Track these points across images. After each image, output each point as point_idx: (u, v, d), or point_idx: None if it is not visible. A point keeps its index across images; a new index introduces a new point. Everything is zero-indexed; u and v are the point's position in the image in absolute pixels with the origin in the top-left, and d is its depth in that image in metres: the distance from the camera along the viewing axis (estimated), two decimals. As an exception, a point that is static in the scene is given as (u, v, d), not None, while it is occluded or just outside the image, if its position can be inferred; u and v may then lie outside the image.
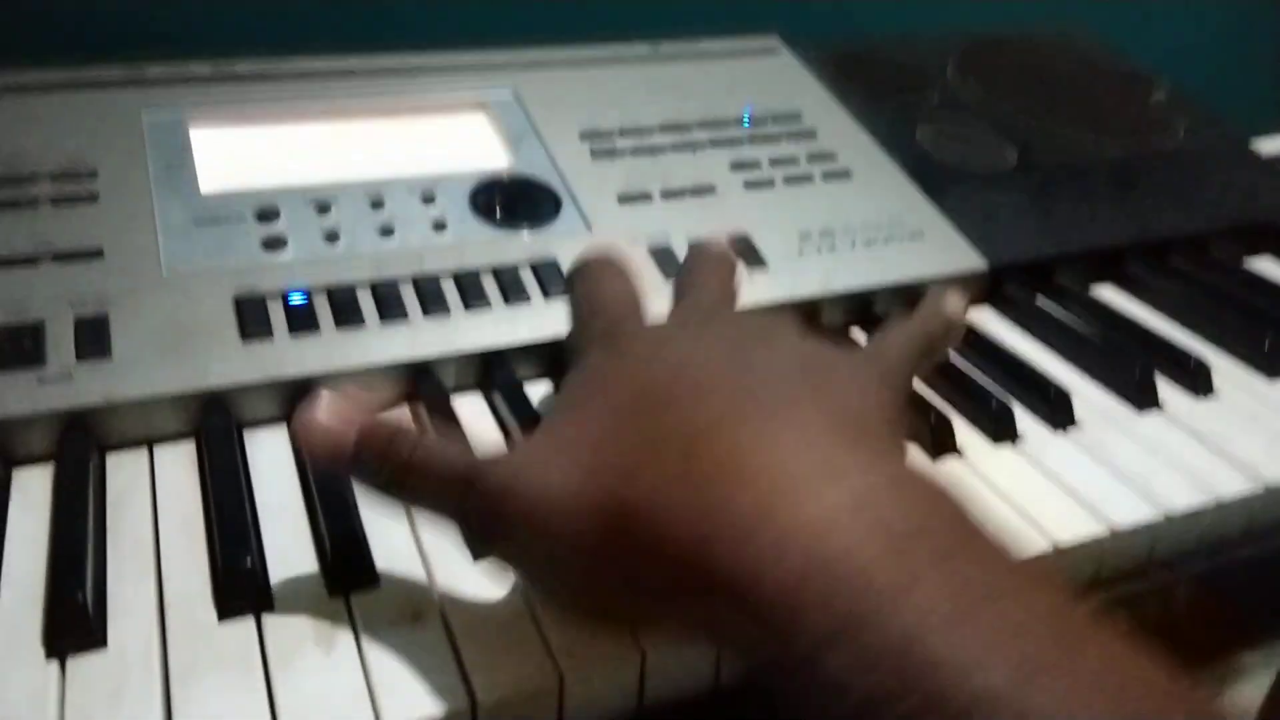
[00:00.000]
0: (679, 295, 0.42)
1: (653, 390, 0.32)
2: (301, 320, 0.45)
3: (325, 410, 0.32)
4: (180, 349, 0.43)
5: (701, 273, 0.42)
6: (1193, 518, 0.43)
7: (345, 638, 0.34)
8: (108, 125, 0.54)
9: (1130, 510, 0.42)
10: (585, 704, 0.34)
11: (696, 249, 0.44)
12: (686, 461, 0.29)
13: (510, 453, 0.33)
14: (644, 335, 0.37)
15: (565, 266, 0.51)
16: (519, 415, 0.44)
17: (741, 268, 0.46)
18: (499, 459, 0.32)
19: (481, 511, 0.31)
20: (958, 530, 0.27)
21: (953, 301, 0.40)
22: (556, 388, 0.47)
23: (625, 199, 0.56)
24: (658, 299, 0.46)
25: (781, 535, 0.26)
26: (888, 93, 0.69)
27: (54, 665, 0.32)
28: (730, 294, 0.42)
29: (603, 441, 0.31)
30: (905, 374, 0.37)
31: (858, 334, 0.54)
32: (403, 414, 0.36)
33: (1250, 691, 0.45)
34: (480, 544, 0.36)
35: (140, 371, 0.42)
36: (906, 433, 0.36)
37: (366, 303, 0.47)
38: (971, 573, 0.25)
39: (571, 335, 0.41)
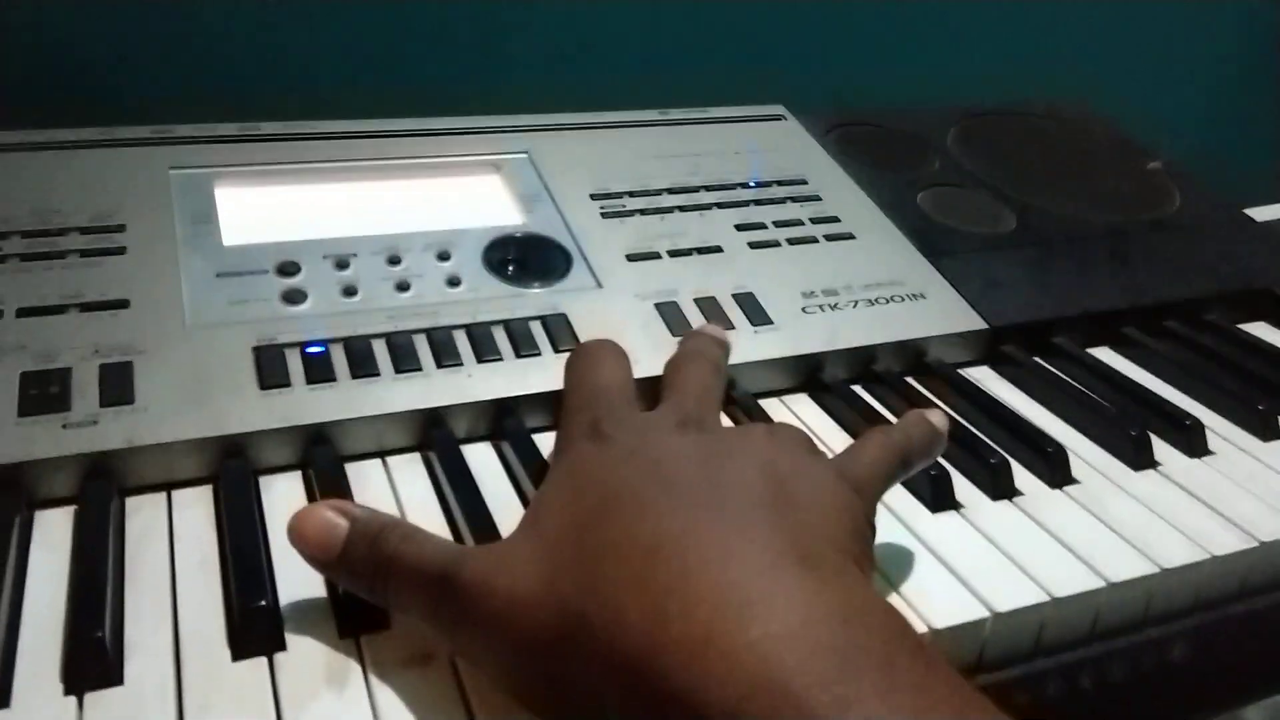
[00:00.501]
0: (667, 391, 0.43)
1: (621, 496, 0.33)
2: (319, 370, 0.47)
3: (320, 506, 0.36)
4: (201, 396, 0.45)
5: (687, 372, 0.44)
6: (1188, 573, 0.43)
7: (356, 679, 0.35)
8: (136, 181, 0.56)
9: (1126, 565, 0.43)
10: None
11: (687, 341, 0.47)
12: (645, 574, 0.30)
13: (488, 550, 0.35)
14: (624, 433, 0.38)
15: (575, 321, 0.52)
16: (527, 464, 0.45)
17: (729, 342, 0.48)
18: (476, 554, 0.33)
19: (453, 608, 0.33)
20: (901, 657, 0.28)
21: (937, 416, 0.42)
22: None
23: (634, 257, 0.57)
24: (663, 357, 0.47)
25: (728, 655, 0.27)
26: (890, 160, 0.71)
27: (72, 701, 0.33)
28: (713, 396, 0.44)
29: (570, 547, 0.32)
30: (879, 486, 0.38)
31: (861, 391, 0.55)
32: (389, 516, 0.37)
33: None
34: (450, 639, 0.35)
35: (162, 418, 0.44)
36: (872, 541, 0.37)
37: (382, 354, 0.48)
38: (910, 700, 0.26)
39: (562, 420, 0.42)
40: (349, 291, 0.51)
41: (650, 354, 0.51)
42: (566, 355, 0.50)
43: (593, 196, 0.61)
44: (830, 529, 0.33)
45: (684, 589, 0.29)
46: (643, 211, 0.61)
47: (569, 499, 0.35)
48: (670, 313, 0.54)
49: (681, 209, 0.62)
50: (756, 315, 0.55)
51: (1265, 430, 0.53)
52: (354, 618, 0.37)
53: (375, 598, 0.35)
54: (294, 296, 0.50)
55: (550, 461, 0.38)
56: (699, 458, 0.35)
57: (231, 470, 0.43)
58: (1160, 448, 0.51)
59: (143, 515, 0.42)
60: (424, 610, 0.34)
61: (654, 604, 0.29)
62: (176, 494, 0.43)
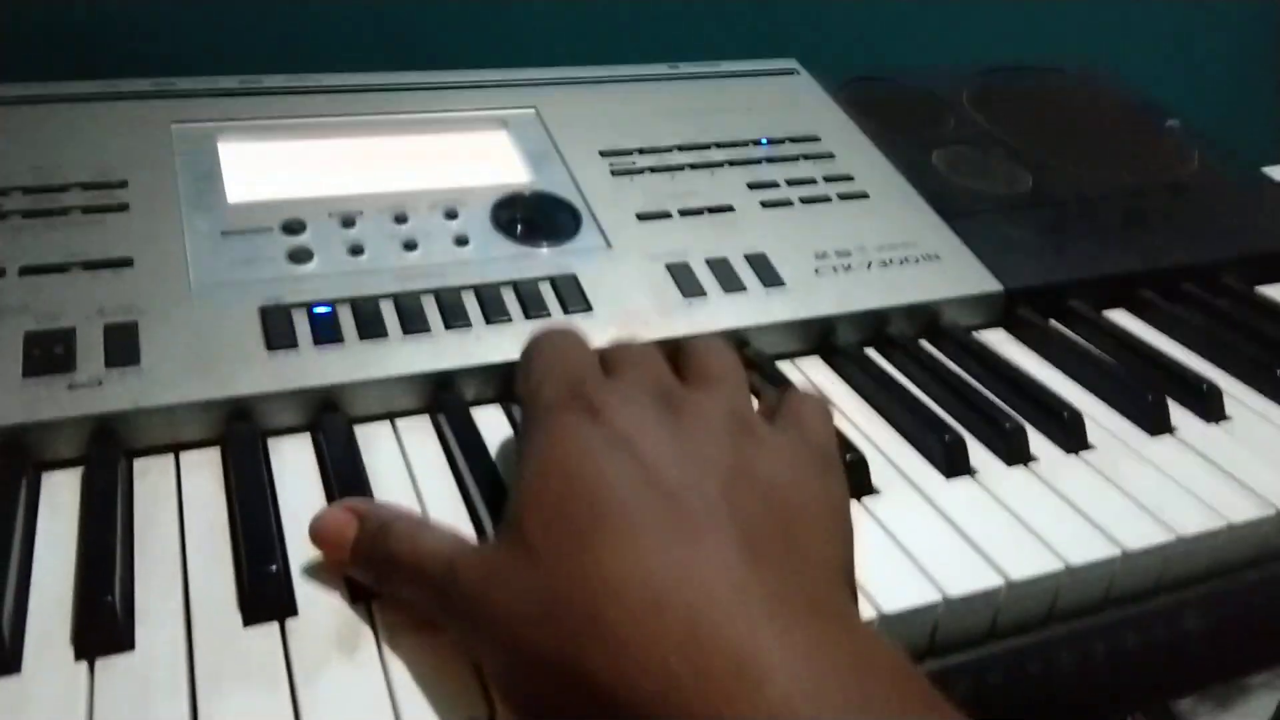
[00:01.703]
0: (689, 361, 0.40)
1: (617, 507, 0.31)
2: (326, 331, 0.46)
3: (333, 507, 0.37)
4: (207, 358, 0.44)
5: (717, 352, 0.40)
6: (1204, 542, 0.43)
7: (368, 644, 0.34)
8: (138, 137, 0.55)
9: (1142, 533, 0.42)
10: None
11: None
12: (652, 625, 0.28)
13: (482, 556, 0.33)
14: (616, 407, 0.35)
15: (585, 282, 0.51)
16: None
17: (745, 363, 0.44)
18: (471, 560, 0.33)
19: (450, 610, 0.33)
20: (912, 704, 0.28)
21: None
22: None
23: (644, 217, 0.56)
24: (674, 319, 0.47)
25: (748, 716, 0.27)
26: (905, 119, 0.70)
27: (83, 666, 0.33)
28: (733, 380, 0.39)
29: (566, 567, 0.30)
30: (834, 446, 0.38)
31: (873, 354, 0.54)
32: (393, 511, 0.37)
33: (1256, 712, 0.46)
34: (451, 637, 0.34)
35: (168, 379, 0.43)
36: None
37: (390, 315, 0.48)
38: None
39: (529, 390, 0.38)
40: (355, 250, 0.51)
41: (661, 317, 0.51)
42: (576, 316, 0.50)
43: (602, 154, 0.60)
44: (835, 564, 0.33)
45: (695, 646, 0.28)
46: (653, 169, 0.60)
47: (557, 492, 0.32)
48: (681, 274, 0.53)
49: (692, 167, 0.61)
50: (768, 276, 0.54)
51: (1283, 395, 0.53)
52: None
53: (385, 594, 0.36)
54: (300, 255, 0.50)
55: (521, 438, 0.35)
56: (707, 468, 0.33)
57: (239, 433, 0.43)
58: (1177, 413, 0.51)
59: (150, 478, 0.42)
60: (424, 609, 0.34)
61: (663, 662, 0.28)
62: (184, 456, 0.43)
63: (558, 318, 0.50)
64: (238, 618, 0.35)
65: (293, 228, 0.51)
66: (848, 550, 0.34)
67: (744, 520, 0.31)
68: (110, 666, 0.33)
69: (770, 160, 0.63)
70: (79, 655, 0.33)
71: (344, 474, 0.41)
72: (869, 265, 0.57)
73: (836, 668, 0.28)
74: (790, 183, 0.61)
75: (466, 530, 0.40)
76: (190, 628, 0.35)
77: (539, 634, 0.30)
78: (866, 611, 0.37)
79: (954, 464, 0.46)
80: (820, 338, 0.54)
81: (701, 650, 0.28)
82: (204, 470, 0.42)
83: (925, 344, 0.55)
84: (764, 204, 0.59)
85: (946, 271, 0.57)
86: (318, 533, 0.37)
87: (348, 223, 0.52)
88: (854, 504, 0.40)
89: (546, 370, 0.38)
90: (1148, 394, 0.50)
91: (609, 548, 0.30)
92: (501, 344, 0.48)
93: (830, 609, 0.31)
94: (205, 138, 0.56)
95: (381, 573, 0.35)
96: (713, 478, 0.33)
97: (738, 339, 0.52)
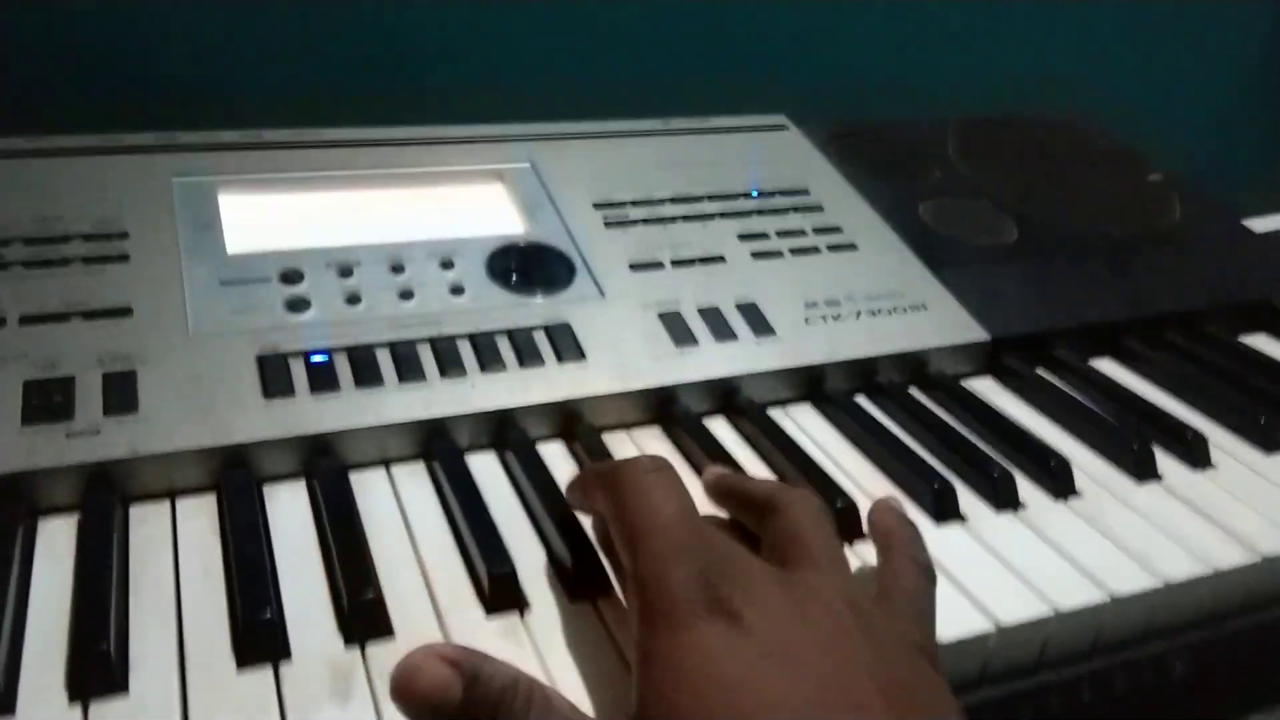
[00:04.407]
0: (801, 550, 0.34)
1: None
2: (322, 379, 0.47)
3: (431, 658, 0.29)
4: (204, 405, 0.45)
5: (802, 521, 0.36)
6: (1191, 588, 0.43)
7: (361, 688, 0.35)
8: (139, 189, 0.56)
9: (1130, 579, 0.43)
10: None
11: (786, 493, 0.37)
12: None
13: None
14: (761, 614, 0.30)
15: (579, 330, 0.52)
16: (531, 474, 0.45)
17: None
18: None
19: None
20: None
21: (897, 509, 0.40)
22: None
23: (637, 266, 0.57)
24: (666, 367, 0.47)
25: None
26: (892, 170, 0.72)
27: (77, 710, 0.33)
28: (839, 553, 0.35)
29: None
30: (932, 626, 0.36)
31: (864, 401, 0.55)
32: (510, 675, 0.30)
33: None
34: None
35: (165, 426, 0.44)
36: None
37: (385, 363, 0.48)
38: None
39: (645, 572, 0.31)
40: (352, 300, 0.51)
41: (652, 365, 0.51)
42: (569, 364, 0.50)
43: (595, 206, 0.62)
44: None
45: None
46: (645, 221, 0.61)
47: (723, 715, 0.28)
48: (673, 322, 0.54)
49: (684, 219, 0.62)
50: (759, 325, 0.55)
51: (1267, 443, 0.53)
52: (359, 626, 0.37)
53: None
54: (297, 305, 0.50)
55: (643, 630, 0.30)
56: (854, 676, 0.29)
57: (235, 480, 0.43)
58: (1163, 460, 0.51)
59: (146, 524, 0.42)
60: None
61: None
62: (180, 503, 0.43)
63: (552, 366, 0.50)
64: (231, 662, 0.35)
65: (291, 277, 0.52)
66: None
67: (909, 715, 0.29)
68: (104, 710, 0.33)
69: (761, 212, 0.64)
70: (73, 698, 0.33)
71: (338, 520, 0.42)
72: (858, 314, 0.58)
73: None
74: (780, 234, 0.62)
75: (459, 577, 0.40)
76: (184, 671, 0.35)
77: None
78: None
79: (943, 510, 0.46)
80: (810, 385, 0.55)
81: None
82: (200, 516, 0.42)
83: (915, 391, 0.56)
84: (755, 254, 0.60)
85: (933, 320, 0.58)
86: (406, 689, 0.28)
87: (345, 272, 0.53)
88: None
89: (668, 555, 0.31)
90: (1134, 441, 0.51)
91: None
92: (496, 392, 0.49)
93: None
94: (206, 190, 0.57)
95: None
96: (866, 675, 0.29)
97: (730, 387, 0.53)
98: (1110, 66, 1.02)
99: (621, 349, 0.52)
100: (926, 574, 0.37)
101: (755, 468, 0.49)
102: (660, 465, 0.35)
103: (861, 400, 0.55)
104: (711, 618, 0.29)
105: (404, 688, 0.28)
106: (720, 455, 0.48)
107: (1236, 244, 0.72)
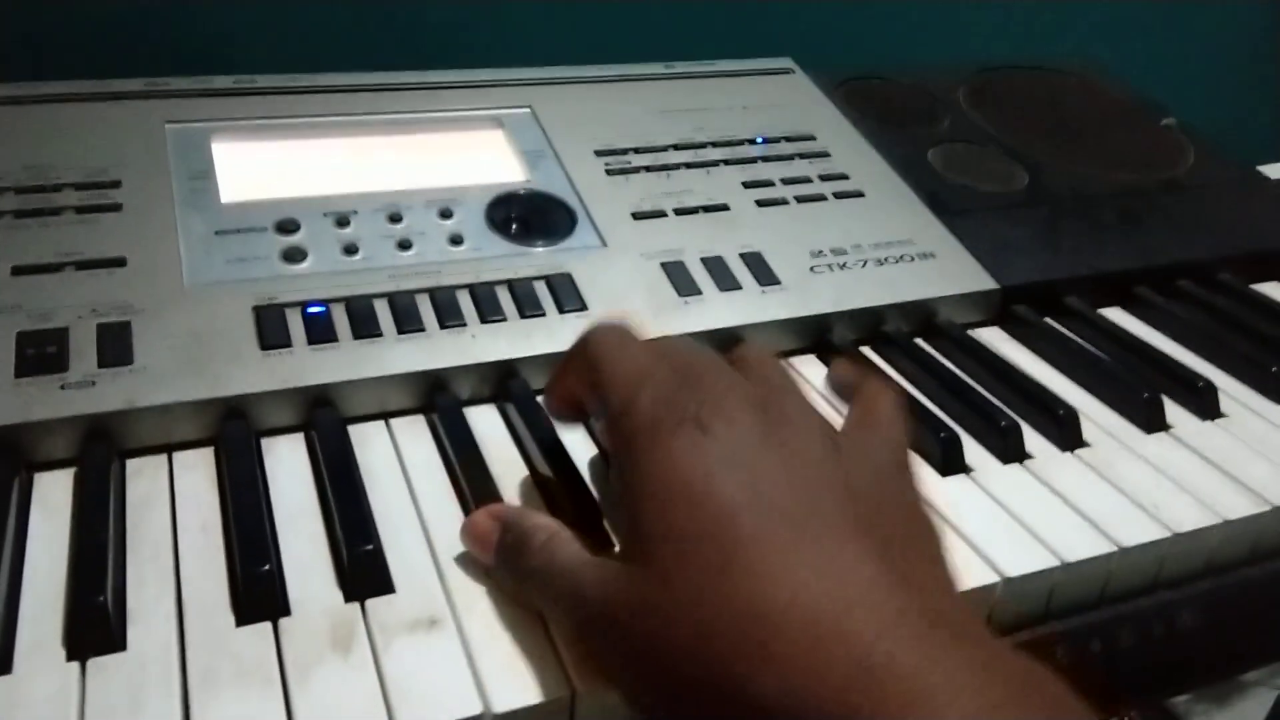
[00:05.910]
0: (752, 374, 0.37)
1: (749, 535, 0.30)
2: (320, 331, 0.46)
3: (480, 513, 0.38)
4: (201, 357, 0.44)
5: (764, 364, 0.38)
6: (1199, 538, 0.43)
7: (361, 644, 0.34)
8: (132, 136, 0.54)
9: (1138, 530, 0.42)
10: (598, 718, 0.34)
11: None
12: (813, 650, 0.28)
13: (629, 579, 0.31)
14: (725, 424, 0.32)
15: (580, 281, 0.51)
16: (532, 426, 0.45)
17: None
18: (616, 587, 0.31)
19: (599, 635, 0.32)
20: (976, 627, 0.29)
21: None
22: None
23: (639, 215, 0.56)
24: (669, 318, 0.46)
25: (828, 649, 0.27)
26: (900, 117, 0.70)
27: (75, 667, 0.33)
28: (796, 388, 0.37)
29: (713, 600, 0.29)
30: (906, 446, 0.37)
31: (869, 352, 0.54)
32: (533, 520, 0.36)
33: (1253, 710, 0.46)
34: (591, 656, 0.34)
35: (161, 379, 0.43)
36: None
37: (384, 315, 0.48)
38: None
39: (616, 411, 0.34)
40: (350, 250, 0.51)
41: (656, 315, 0.51)
42: (570, 315, 0.49)
43: (597, 153, 0.60)
44: (947, 566, 0.32)
45: (868, 677, 0.27)
46: (648, 169, 0.60)
47: (685, 518, 0.31)
48: (677, 272, 0.53)
49: (688, 166, 0.61)
50: (764, 275, 0.54)
51: (1278, 392, 0.53)
52: (359, 582, 0.36)
53: (524, 604, 0.36)
54: (294, 255, 0.50)
55: (624, 457, 0.33)
56: (821, 481, 0.32)
57: (232, 432, 0.43)
58: (1172, 410, 0.50)
59: (143, 478, 0.41)
60: (558, 623, 0.34)
61: (837, 693, 0.27)
62: (177, 456, 0.43)
63: (553, 317, 0.49)
64: (230, 618, 0.35)
65: (287, 227, 0.51)
66: (945, 550, 0.34)
67: (877, 536, 0.31)
68: (102, 667, 0.33)
69: (766, 159, 0.63)
70: (71, 656, 0.33)
71: (337, 473, 0.41)
72: (865, 263, 0.57)
73: (1008, 694, 0.27)
74: (786, 181, 0.61)
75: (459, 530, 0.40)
76: (183, 628, 0.34)
77: (694, 664, 0.29)
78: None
79: (950, 461, 0.46)
80: (816, 336, 0.54)
81: (875, 680, 0.27)
82: (197, 470, 0.42)
83: (921, 342, 0.55)
84: (759, 203, 0.59)
85: (942, 269, 0.57)
86: (466, 537, 0.38)
87: (342, 222, 0.52)
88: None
89: (634, 384, 0.34)
90: (1143, 391, 0.50)
91: (753, 575, 0.29)
92: (496, 343, 0.48)
93: (971, 625, 0.30)
94: (199, 137, 0.56)
95: (518, 582, 0.36)
96: (828, 491, 0.31)
97: (733, 338, 0.52)
98: (1124, 12, 0.99)
99: (624, 300, 0.51)
100: (897, 403, 0.38)
101: (760, 419, 0.48)
102: (613, 321, 0.38)
103: (867, 351, 0.54)
104: (679, 429, 0.32)
105: (463, 533, 0.38)
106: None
107: (1251, 191, 0.71)
